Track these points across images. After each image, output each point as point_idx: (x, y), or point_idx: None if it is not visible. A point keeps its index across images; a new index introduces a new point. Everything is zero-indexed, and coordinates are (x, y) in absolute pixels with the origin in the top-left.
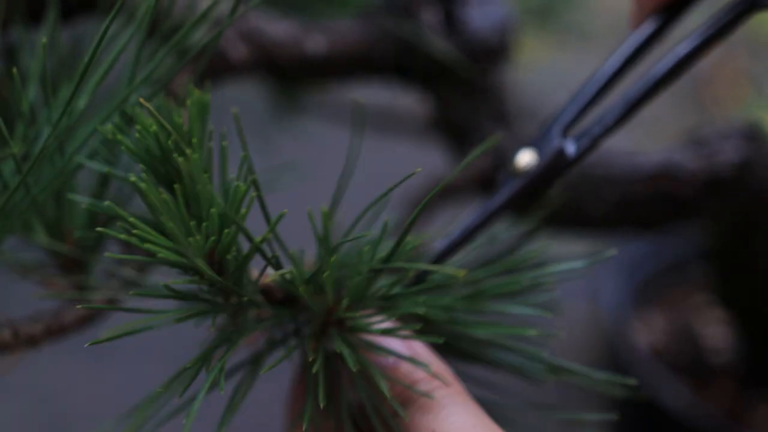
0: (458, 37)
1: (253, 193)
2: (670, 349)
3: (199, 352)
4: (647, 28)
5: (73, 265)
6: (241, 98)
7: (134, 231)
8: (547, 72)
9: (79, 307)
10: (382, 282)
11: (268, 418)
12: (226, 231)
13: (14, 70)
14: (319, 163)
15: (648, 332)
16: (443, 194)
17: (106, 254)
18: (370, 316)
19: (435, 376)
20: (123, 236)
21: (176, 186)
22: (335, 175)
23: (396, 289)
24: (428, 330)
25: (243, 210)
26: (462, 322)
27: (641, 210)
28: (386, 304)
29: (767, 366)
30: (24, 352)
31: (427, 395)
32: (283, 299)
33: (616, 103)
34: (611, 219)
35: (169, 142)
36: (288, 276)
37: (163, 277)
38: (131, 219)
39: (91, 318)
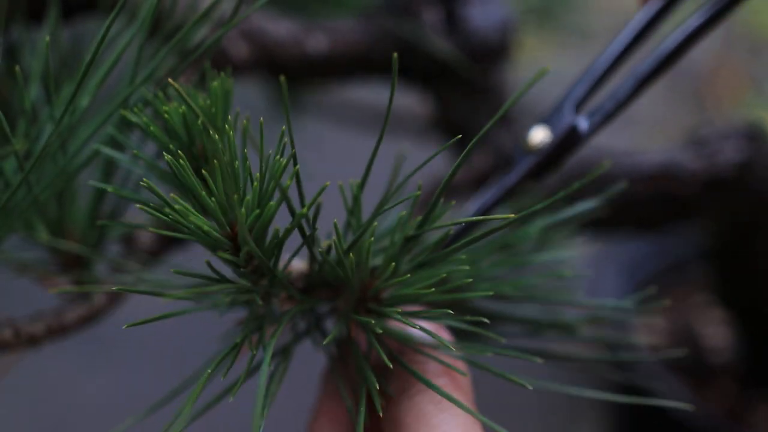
0: (458, 36)
1: (294, 167)
2: (670, 349)
3: (235, 337)
4: (655, 4)
5: (75, 264)
6: (242, 97)
7: (176, 206)
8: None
9: (114, 288)
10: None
11: (298, 404)
12: (270, 204)
13: (17, 68)
14: (319, 162)
15: (648, 332)
16: (444, 194)
17: (150, 229)
18: (407, 285)
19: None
20: (167, 211)
21: (215, 162)
22: (335, 174)
23: (427, 256)
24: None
25: (288, 182)
26: (490, 280)
27: (641, 210)
28: (423, 271)
29: (767, 366)
30: (25, 352)
31: (434, 387)
32: (303, 289)
33: (627, 79)
34: (612, 219)
35: (199, 122)
36: (320, 255)
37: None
38: (172, 195)
39: (92, 317)
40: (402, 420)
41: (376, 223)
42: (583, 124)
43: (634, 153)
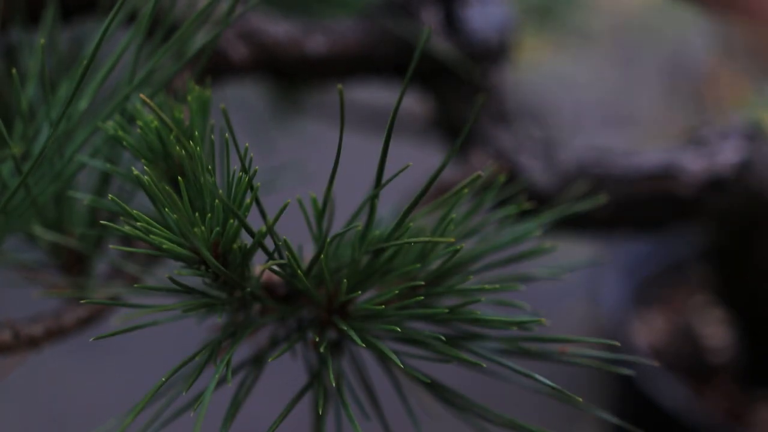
0: (458, 37)
1: (256, 183)
2: (670, 349)
3: (204, 345)
4: None
5: (74, 265)
6: (242, 98)
7: (138, 223)
8: (547, 72)
9: (82, 302)
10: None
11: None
12: (230, 221)
13: (14, 70)
14: (318, 163)
15: (648, 332)
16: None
17: (111, 246)
18: (368, 299)
19: None
20: (126, 229)
21: (180, 179)
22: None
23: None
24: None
25: (247, 201)
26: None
27: (641, 210)
28: (391, 279)
29: (767, 366)
30: (24, 353)
31: None
32: (285, 295)
33: None
34: (612, 219)
35: (171, 137)
36: (288, 269)
37: (167, 271)
38: (134, 212)
39: (91, 319)
40: None
41: (329, 241)
42: None
43: (634, 153)
